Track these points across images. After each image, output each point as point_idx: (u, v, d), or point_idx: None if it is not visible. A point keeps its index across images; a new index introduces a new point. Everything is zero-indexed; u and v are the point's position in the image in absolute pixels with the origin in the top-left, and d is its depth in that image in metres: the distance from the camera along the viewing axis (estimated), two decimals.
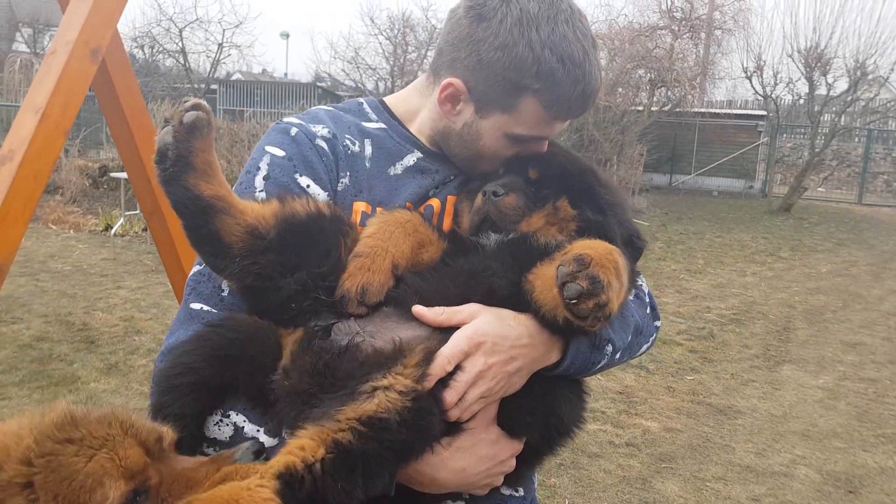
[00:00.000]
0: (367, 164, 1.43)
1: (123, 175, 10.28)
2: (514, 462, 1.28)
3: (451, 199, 1.49)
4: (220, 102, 22.79)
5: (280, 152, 1.36)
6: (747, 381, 6.43)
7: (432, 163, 1.50)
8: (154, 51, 23.64)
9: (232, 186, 1.31)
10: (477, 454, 1.21)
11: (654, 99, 20.41)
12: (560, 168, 1.42)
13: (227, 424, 1.21)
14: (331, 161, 1.39)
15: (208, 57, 24.40)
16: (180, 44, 23.05)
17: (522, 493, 1.49)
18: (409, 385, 1.06)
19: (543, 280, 1.18)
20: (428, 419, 1.08)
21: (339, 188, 1.39)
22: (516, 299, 1.23)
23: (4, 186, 2.52)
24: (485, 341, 1.19)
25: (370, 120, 1.50)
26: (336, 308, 1.22)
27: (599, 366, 1.34)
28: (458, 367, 1.17)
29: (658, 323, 1.56)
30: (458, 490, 1.24)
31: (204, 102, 1.15)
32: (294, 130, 1.39)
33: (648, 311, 1.51)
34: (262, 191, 1.32)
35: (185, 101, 1.14)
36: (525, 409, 1.27)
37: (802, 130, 24.54)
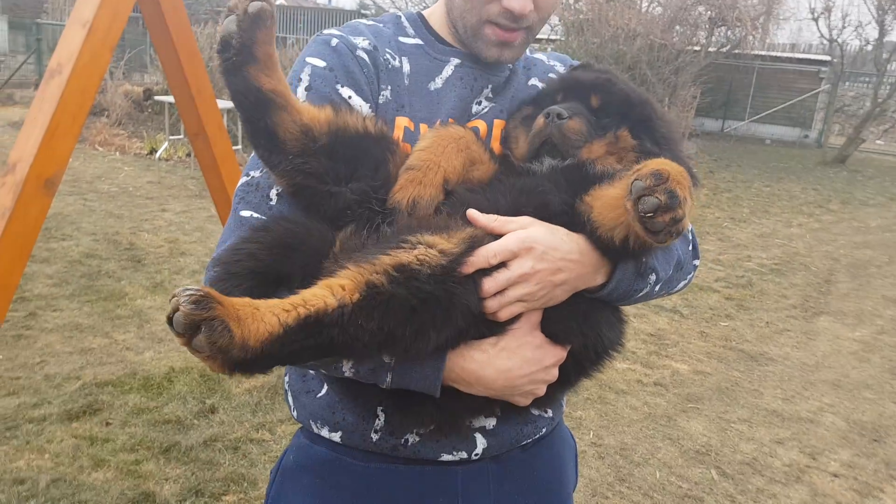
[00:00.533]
0: (406, 81, 1.42)
1: (168, 98, 10.38)
2: (556, 371, 1.28)
3: (498, 123, 1.47)
4: None
5: (321, 63, 1.36)
6: (782, 329, 6.38)
7: (470, 67, 1.47)
8: None
9: None
10: (522, 355, 1.22)
11: (713, 39, 19.47)
12: (622, 97, 1.39)
13: None
14: (372, 73, 1.38)
15: None
16: None
17: (551, 415, 1.52)
18: (452, 249, 1.08)
19: (604, 200, 1.17)
20: (462, 287, 1.09)
21: (380, 101, 1.39)
22: (569, 219, 1.23)
23: (53, 100, 2.55)
24: (535, 247, 1.19)
25: (408, 35, 1.49)
26: (389, 216, 1.23)
27: (640, 294, 1.34)
28: (503, 266, 1.18)
29: (697, 262, 1.55)
30: (502, 393, 1.24)
31: None
32: (335, 41, 1.38)
33: (690, 248, 1.49)
34: (304, 101, 1.31)
35: None
36: (569, 319, 1.26)
37: (867, 79, 23.25)
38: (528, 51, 1.62)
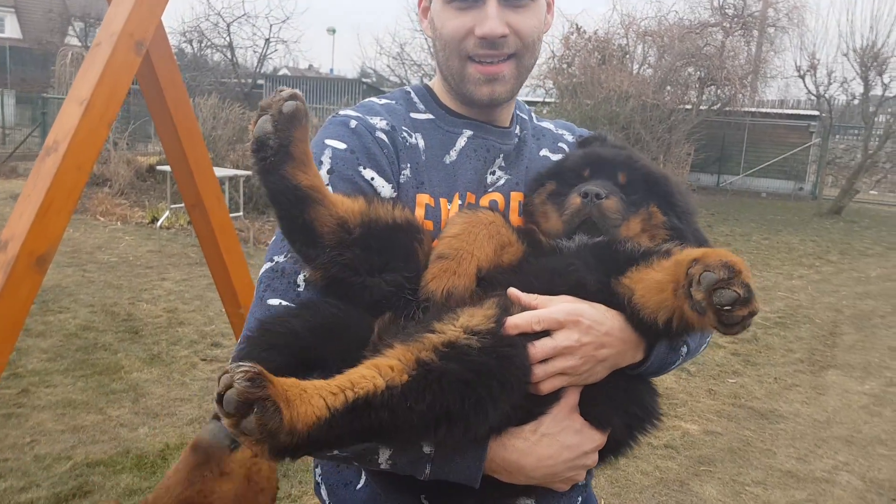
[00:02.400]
0: (423, 157, 1.43)
1: (169, 168, 10.53)
2: (596, 456, 1.25)
3: (514, 195, 1.47)
4: (265, 96, 23.05)
5: (341, 145, 1.35)
6: (790, 385, 6.24)
7: (482, 139, 1.48)
8: (202, 45, 24.23)
9: None
10: (562, 442, 1.19)
11: (704, 97, 19.94)
12: (646, 173, 1.40)
13: None
14: (392, 153, 1.38)
15: (255, 52, 24.92)
16: (228, 39, 23.58)
17: (584, 482, 1.48)
18: (492, 313, 1.08)
19: (646, 283, 1.16)
20: (512, 349, 1.07)
21: (401, 180, 1.39)
22: (605, 297, 1.22)
23: (48, 177, 2.56)
24: (581, 320, 1.17)
25: (419, 111, 1.50)
26: (423, 305, 1.22)
27: (673, 366, 1.34)
28: (547, 334, 1.16)
29: None
30: (542, 481, 1.22)
31: (300, 93, 1.15)
32: (354, 123, 1.38)
33: None
34: (327, 184, 1.29)
35: (282, 91, 1.15)
36: (608, 400, 1.25)
37: (856, 131, 23.67)
38: (534, 118, 1.63)
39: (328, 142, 1.36)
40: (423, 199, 1.39)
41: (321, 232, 1.18)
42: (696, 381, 6.18)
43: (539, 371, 1.15)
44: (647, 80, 17.83)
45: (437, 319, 1.08)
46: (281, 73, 28.49)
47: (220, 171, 9.54)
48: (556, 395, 1.20)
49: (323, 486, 1.42)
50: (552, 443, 1.18)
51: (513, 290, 1.21)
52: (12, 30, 35.39)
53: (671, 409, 5.54)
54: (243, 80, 23.67)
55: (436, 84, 1.54)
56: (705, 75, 18.93)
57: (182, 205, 10.95)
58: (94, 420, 4.74)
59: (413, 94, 1.53)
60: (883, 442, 5.16)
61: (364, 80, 25.88)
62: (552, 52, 19.17)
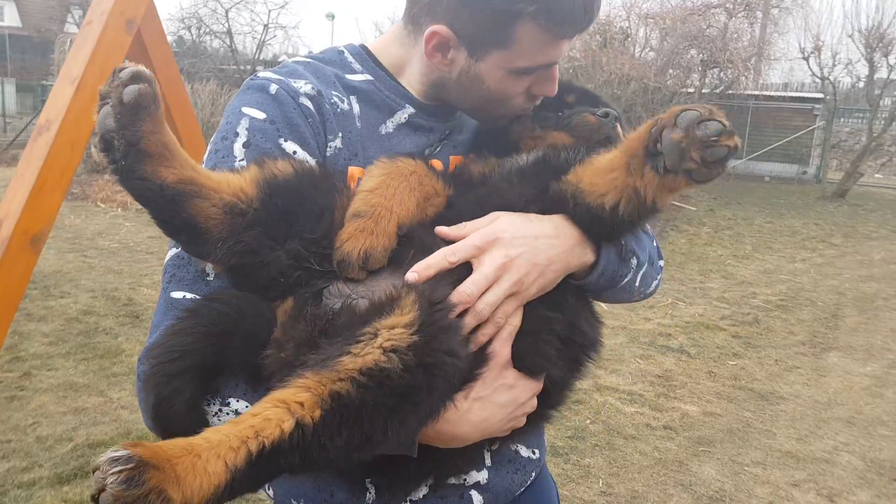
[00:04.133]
0: (358, 124, 1.30)
1: None
2: (535, 401, 1.21)
3: (453, 158, 1.40)
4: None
5: (260, 114, 1.19)
6: (791, 367, 6.24)
7: (426, 118, 1.38)
8: (201, 32, 24.11)
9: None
10: (496, 402, 1.14)
11: (706, 80, 19.80)
12: (615, 111, 1.40)
13: (228, 413, 1.07)
14: (317, 122, 1.24)
15: (254, 38, 24.78)
16: (226, 25, 23.44)
17: (538, 455, 1.47)
18: (412, 319, 0.96)
19: (596, 166, 1.11)
20: (442, 353, 0.98)
21: (328, 153, 1.26)
22: (538, 209, 1.17)
23: (41, 157, 2.54)
24: (502, 236, 1.11)
25: (354, 71, 1.35)
26: (328, 275, 1.10)
27: (625, 280, 1.28)
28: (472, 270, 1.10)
29: (662, 263, 1.49)
30: (480, 439, 1.18)
31: (144, 69, 0.97)
32: (274, 88, 1.22)
33: (654, 244, 1.45)
34: (242, 160, 1.17)
35: (121, 71, 0.96)
36: (542, 348, 1.18)
37: (860, 114, 23.50)
38: None
39: (245, 110, 1.20)
40: (356, 171, 1.27)
41: (207, 226, 1.06)
42: (696, 363, 6.18)
43: (483, 307, 1.09)
44: (648, 64, 17.70)
45: (353, 338, 0.95)
46: (280, 59, 28.31)
47: None
48: (484, 357, 1.13)
49: None
50: (485, 405, 1.13)
51: (439, 228, 1.15)
52: (11, 18, 35.24)
53: (671, 390, 5.54)
54: (242, 67, 23.56)
55: (381, 50, 1.39)
56: (708, 58, 18.77)
57: None
58: (95, 402, 4.78)
59: (347, 54, 1.38)
60: (884, 423, 5.16)
61: None
62: None
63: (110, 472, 0.74)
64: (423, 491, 1.27)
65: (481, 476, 1.32)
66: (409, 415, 0.96)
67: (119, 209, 11.61)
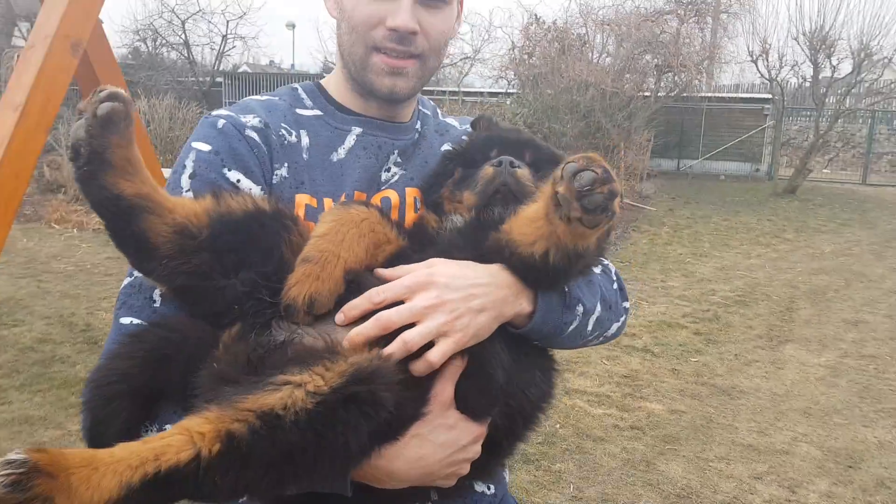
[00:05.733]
0: (305, 156, 1.36)
1: None
2: (478, 448, 1.20)
3: (410, 191, 1.43)
4: (225, 95, 22.57)
5: (206, 147, 1.29)
6: (750, 361, 6.46)
7: (374, 133, 1.44)
8: (157, 44, 23.70)
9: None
10: (434, 441, 1.13)
11: (662, 84, 20.26)
12: (550, 153, 1.43)
13: None
14: (263, 153, 1.31)
15: (212, 49, 24.46)
16: (183, 36, 23.10)
17: (494, 491, 1.45)
18: (322, 388, 0.97)
19: (521, 218, 1.14)
20: (334, 428, 0.97)
21: (274, 181, 1.32)
22: (476, 258, 1.20)
23: None
24: (435, 279, 1.13)
25: (305, 107, 1.44)
26: (278, 307, 1.13)
27: (572, 328, 1.28)
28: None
29: (627, 304, 1.50)
30: (421, 482, 1.16)
31: (122, 91, 1.06)
32: (221, 122, 1.32)
33: (616, 287, 1.46)
34: (188, 190, 1.25)
35: (101, 91, 1.05)
36: (486, 392, 1.18)
37: (808, 113, 24.33)
38: (440, 114, 1.61)
39: (194, 144, 1.30)
40: (303, 199, 1.32)
41: (156, 243, 1.11)
42: (660, 361, 6.34)
43: (412, 337, 1.10)
44: (606, 69, 18.04)
45: (263, 382, 0.97)
46: (241, 69, 28.01)
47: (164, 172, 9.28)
48: (424, 396, 1.14)
49: None
50: (423, 443, 1.13)
51: (379, 269, 1.18)
52: None
53: (637, 390, 5.68)
54: (201, 79, 23.22)
55: (330, 80, 1.49)
56: (662, 62, 19.23)
57: None
58: (52, 435, 4.61)
59: (301, 91, 1.46)
60: (839, 411, 5.38)
61: (326, 74, 25.55)
62: (512, 42, 19.30)
63: (0, 473, 0.77)
64: None
65: None
66: (287, 477, 0.96)
67: (75, 230, 11.25)
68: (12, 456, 0.79)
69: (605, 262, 1.45)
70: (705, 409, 5.35)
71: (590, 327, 1.34)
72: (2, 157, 2.52)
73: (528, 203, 1.17)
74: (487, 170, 1.30)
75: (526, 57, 18.81)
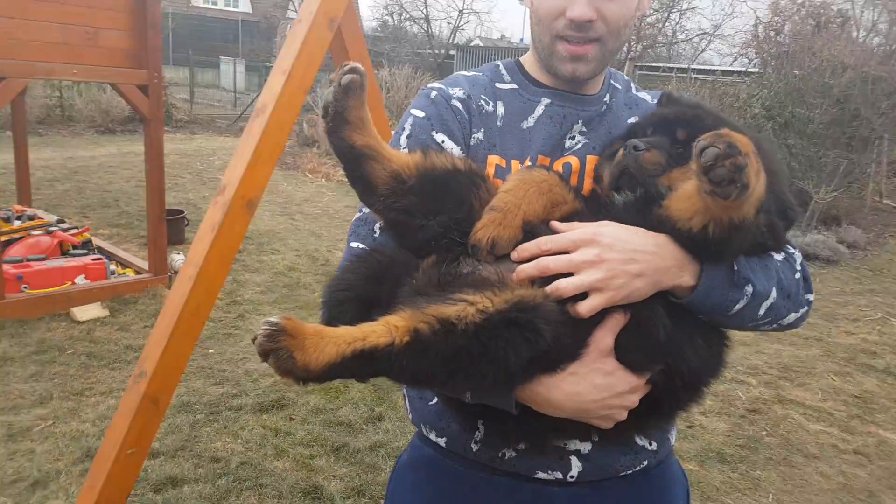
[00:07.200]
0: (499, 123, 1.56)
1: None
2: (635, 398, 1.29)
3: (591, 158, 1.54)
4: (457, 67, 23.44)
5: (421, 113, 1.54)
6: None
7: (560, 104, 1.57)
8: (402, 18, 25.44)
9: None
10: (591, 381, 1.25)
11: None
12: (710, 127, 1.36)
13: None
14: (465, 119, 1.54)
15: (449, 23, 25.61)
16: (425, 11, 24.50)
17: (655, 448, 1.51)
18: (489, 308, 1.17)
19: (678, 194, 1.22)
20: (496, 342, 1.16)
21: (472, 143, 1.53)
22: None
23: (257, 135, 2.99)
24: (599, 239, 1.24)
25: (504, 81, 1.62)
26: (467, 250, 1.34)
27: (738, 306, 1.30)
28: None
29: (811, 297, 1.46)
30: (576, 415, 1.28)
31: (360, 66, 1.32)
32: (433, 94, 1.57)
33: (799, 277, 1.42)
34: (405, 147, 1.51)
35: (345, 65, 1.31)
36: (645, 348, 1.27)
37: None
38: (633, 88, 1.70)
39: (412, 111, 1.56)
40: (494, 159, 1.51)
41: (376, 183, 1.37)
42: None
43: (566, 286, 1.22)
44: (871, 51, 15.62)
45: (444, 298, 1.19)
46: (473, 43, 29.03)
47: None
48: (583, 339, 1.25)
49: (406, 398, 1.62)
50: (579, 381, 1.25)
51: (554, 222, 1.33)
52: (245, 5, 39.96)
53: (868, 413, 5.00)
54: (437, 51, 24.51)
55: (527, 58, 1.65)
56: None
57: None
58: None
59: (502, 67, 1.66)
60: None
61: None
62: (757, 17, 17.52)
63: (261, 328, 1.09)
64: (517, 445, 1.43)
65: (584, 446, 1.43)
66: (456, 374, 1.17)
67: (323, 179, 12.78)
68: (272, 319, 1.10)
69: (792, 250, 1.44)
70: None
71: (761, 311, 1.35)
72: (271, 112, 3.01)
73: (660, 182, 1.28)
74: (619, 151, 1.38)
75: (773, 34, 16.95)
